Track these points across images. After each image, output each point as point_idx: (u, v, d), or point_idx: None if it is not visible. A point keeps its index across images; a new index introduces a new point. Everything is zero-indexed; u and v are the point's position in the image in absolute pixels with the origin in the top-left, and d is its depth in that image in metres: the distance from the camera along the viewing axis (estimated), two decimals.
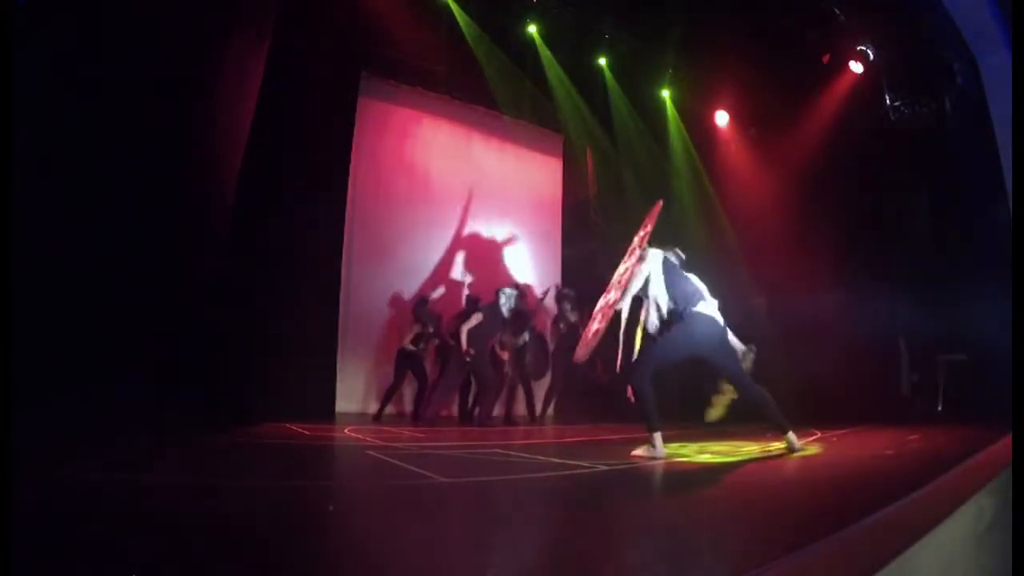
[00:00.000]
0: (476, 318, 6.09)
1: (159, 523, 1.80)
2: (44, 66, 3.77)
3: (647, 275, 3.70)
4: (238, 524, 1.84)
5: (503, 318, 6.27)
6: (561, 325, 7.03)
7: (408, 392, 7.02)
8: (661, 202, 3.99)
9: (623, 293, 3.68)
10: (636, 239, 3.83)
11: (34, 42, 3.61)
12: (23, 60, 3.18)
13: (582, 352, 3.76)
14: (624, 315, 3.71)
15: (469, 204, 8.21)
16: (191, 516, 1.91)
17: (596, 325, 3.73)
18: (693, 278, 3.79)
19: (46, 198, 3.73)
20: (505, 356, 6.43)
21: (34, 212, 3.46)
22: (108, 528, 1.70)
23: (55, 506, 1.90)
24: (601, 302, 3.83)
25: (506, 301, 6.25)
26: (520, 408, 7.21)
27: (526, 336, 6.67)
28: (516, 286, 6.70)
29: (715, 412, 3.95)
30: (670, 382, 4.76)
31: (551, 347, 7.23)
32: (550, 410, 7.18)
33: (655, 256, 3.75)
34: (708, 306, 3.67)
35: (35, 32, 3.65)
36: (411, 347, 6.56)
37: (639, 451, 3.61)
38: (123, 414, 3.87)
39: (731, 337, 3.80)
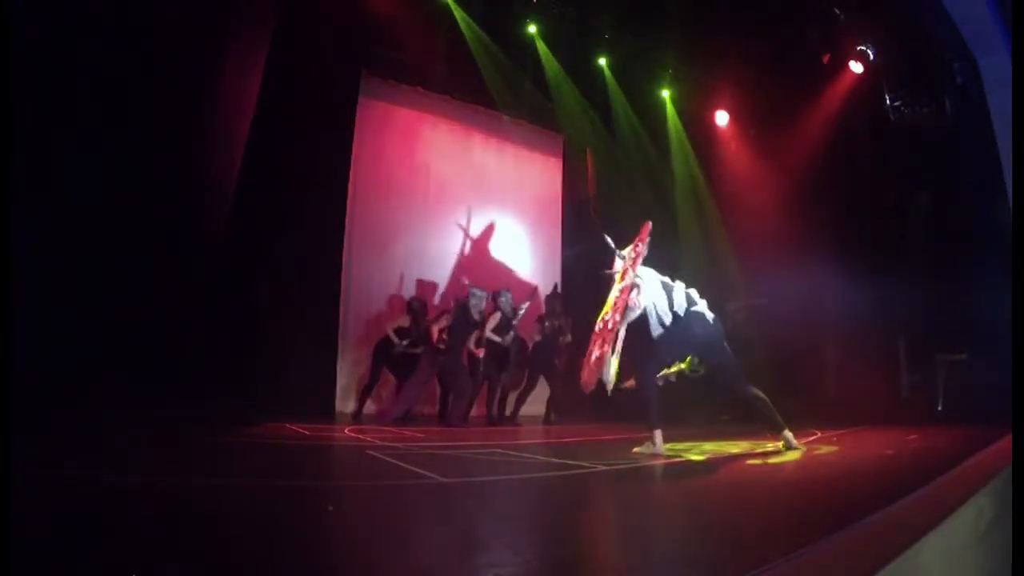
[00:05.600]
0: (446, 318, 6.11)
1: (158, 523, 1.80)
2: (44, 66, 3.76)
3: (645, 296, 3.79)
4: (238, 524, 1.84)
5: (474, 319, 6.20)
6: (547, 323, 6.85)
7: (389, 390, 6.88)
8: (650, 223, 4.03)
9: (622, 317, 3.72)
10: (628, 260, 3.85)
11: (34, 42, 3.60)
12: (23, 60, 3.17)
13: (588, 379, 3.69)
14: (622, 334, 3.74)
15: (470, 212, 8.19)
16: (191, 516, 1.91)
17: (597, 351, 3.69)
18: (680, 285, 3.93)
19: (46, 198, 3.73)
20: (480, 354, 6.27)
21: (34, 212, 3.46)
22: (108, 528, 1.70)
23: (55, 506, 1.90)
24: (599, 326, 3.79)
25: (476, 303, 6.20)
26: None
27: (511, 335, 6.57)
28: (498, 291, 6.66)
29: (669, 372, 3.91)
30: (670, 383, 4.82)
31: (529, 348, 7.06)
32: (550, 413, 7.05)
33: (650, 276, 3.87)
34: (701, 307, 3.84)
35: (35, 32, 3.65)
36: (395, 339, 6.34)
37: (640, 448, 3.65)
38: (122, 414, 3.87)
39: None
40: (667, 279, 3.92)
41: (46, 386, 3.43)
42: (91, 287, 4.07)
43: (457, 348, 6.13)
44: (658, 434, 3.66)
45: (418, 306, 6.55)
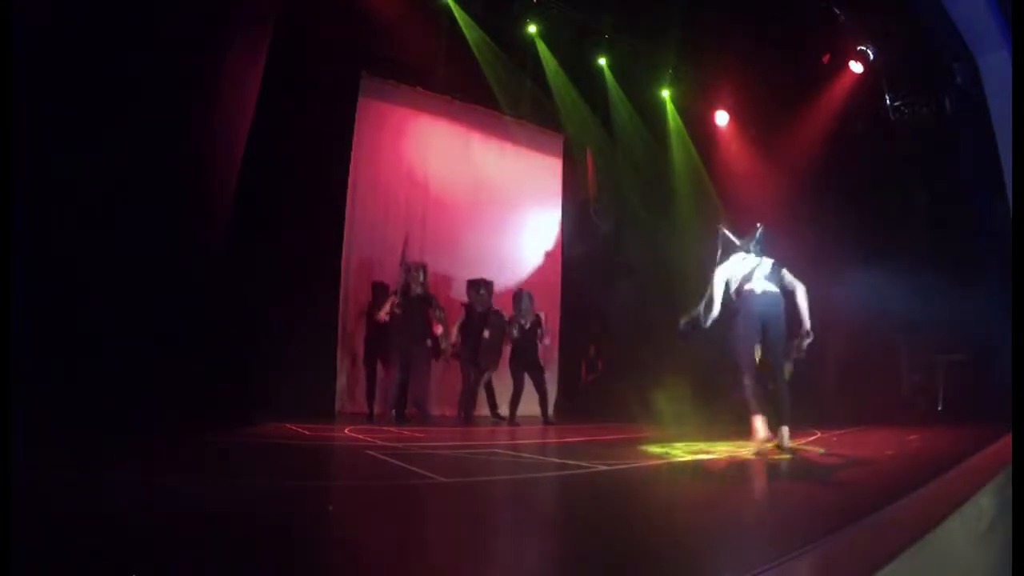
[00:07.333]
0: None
1: (158, 523, 1.80)
2: (44, 65, 3.76)
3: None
4: (238, 524, 1.84)
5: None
6: (514, 330, 6.69)
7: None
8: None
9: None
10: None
11: (34, 41, 3.60)
12: (23, 58, 3.17)
13: None
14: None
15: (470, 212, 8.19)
16: (191, 516, 1.91)
17: None
18: (738, 258, 4.27)
19: (45, 197, 3.72)
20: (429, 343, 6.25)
21: (32, 212, 3.45)
22: (108, 528, 1.70)
23: (55, 506, 1.90)
24: None
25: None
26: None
27: (485, 334, 6.50)
28: (479, 281, 6.70)
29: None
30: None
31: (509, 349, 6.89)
32: (546, 412, 6.98)
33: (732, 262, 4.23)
34: (752, 284, 4.08)
35: (35, 31, 3.64)
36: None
37: (752, 449, 3.77)
38: (122, 414, 3.86)
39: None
40: (746, 265, 4.21)
41: (46, 386, 3.43)
42: (89, 286, 4.07)
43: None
44: (758, 420, 3.76)
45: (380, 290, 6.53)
